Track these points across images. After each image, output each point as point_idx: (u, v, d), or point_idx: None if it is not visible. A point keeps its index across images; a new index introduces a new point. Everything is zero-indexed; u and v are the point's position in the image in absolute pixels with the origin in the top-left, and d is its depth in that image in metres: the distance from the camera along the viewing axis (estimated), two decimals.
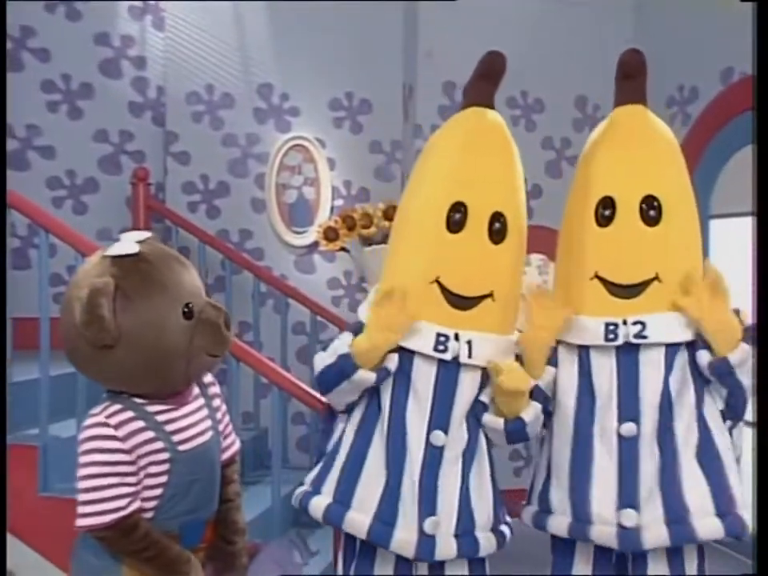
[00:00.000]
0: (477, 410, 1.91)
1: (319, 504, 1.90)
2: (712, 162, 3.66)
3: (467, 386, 1.90)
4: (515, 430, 1.88)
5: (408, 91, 4.30)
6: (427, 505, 1.82)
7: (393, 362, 1.87)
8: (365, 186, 4.41)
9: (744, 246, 3.03)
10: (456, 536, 1.84)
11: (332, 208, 4.32)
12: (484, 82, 2.03)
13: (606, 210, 1.94)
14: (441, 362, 1.88)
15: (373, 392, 1.92)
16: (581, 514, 1.87)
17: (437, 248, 1.92)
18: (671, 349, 1.90)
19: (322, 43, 4.26)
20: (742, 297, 3.19)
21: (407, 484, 1.84)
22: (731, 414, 1.96)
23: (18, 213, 2.69)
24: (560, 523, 1.91)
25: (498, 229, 1.91)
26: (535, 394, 1.91)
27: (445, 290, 1.89)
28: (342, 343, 1.90)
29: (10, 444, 2.39)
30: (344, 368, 1.85)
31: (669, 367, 1.90)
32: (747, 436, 2.88)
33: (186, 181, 4.28)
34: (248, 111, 4.32)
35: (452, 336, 1.87)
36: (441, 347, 1.86)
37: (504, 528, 1.95)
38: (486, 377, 1.91)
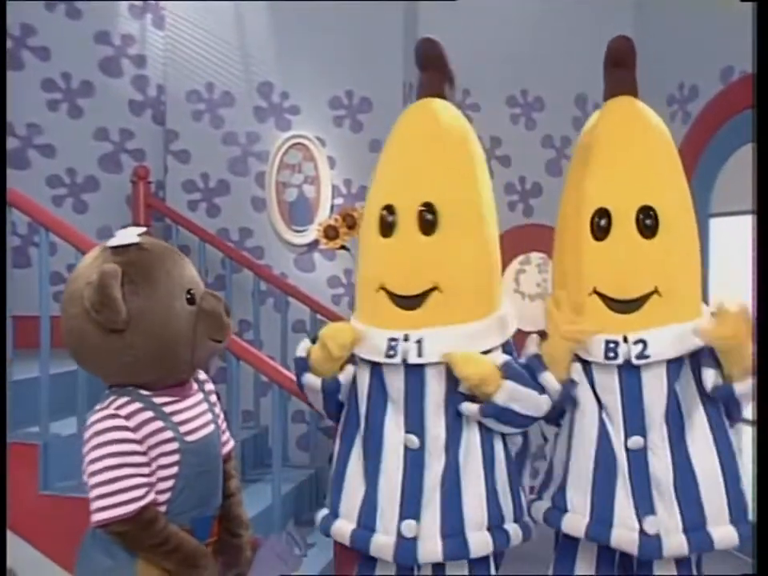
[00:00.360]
0: (457, 403, 1.86)
1: (319, 517, 1.98)
2: (712, 161, 3.66)
3: (434, 384, 1.87)
4: (492, 415, 1.83)
5: (408, 90, 4.30)
6: (408, 508, 1.81)
7: (346, 373, 1.93)
8: (365, 184, 4.40)
9: (744, 244, 3.03)
10: (444, 537, 1.80)
11: (332, 206, 4.32)
12: (423, 72, 1.99)
13: (601, 223, 1.90)
14: (407, 366, 1.86)
15: (351, 402, 1.96)
16: (602, 516, 1.85)
17: (375, 255, 1.94)
18: (674, 363, 1.88)
19: (323, 42, 4.26)
20: (742, 295, 3.20)
21: (384, 489, 1.84)
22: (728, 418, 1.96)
23: (18, 211, 2.69)
24: (576, 523, 1.89)
25: (428, 220, 1.87)
26: (569, 390, 1.90)
27: (390, 294, 1.89)
28: (300, 348, 2.01)
29: (10, 442, 2.40)
30: (297, 370, 2.00)
31: (673, 380, 1.88)
32: (747, 435, 2.88)
33: (186, 179, 4.28)
34: (248, 110, 4.31)
35: (401, 338, 1.85)
36: (391, 352, 1.85)
37: (510, 526, 1.89)
38: (449, 376, 1.87)
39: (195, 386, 1.75)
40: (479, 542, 1.83)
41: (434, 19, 4.15)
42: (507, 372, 1.83)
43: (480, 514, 1.84)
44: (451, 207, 1.88)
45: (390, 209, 1.89)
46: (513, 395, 1.81)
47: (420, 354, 1.83)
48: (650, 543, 1.80)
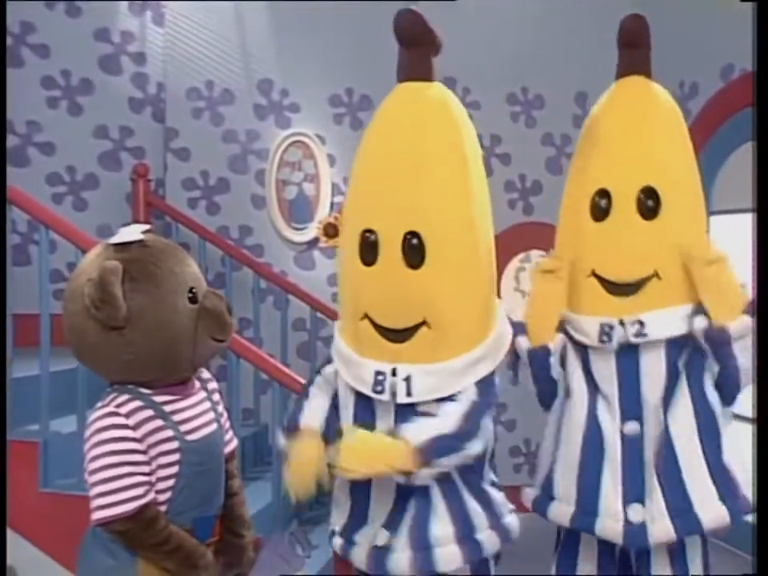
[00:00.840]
0: None
1: (329, 533, 1.93)
2: (712, 159, 3.66)
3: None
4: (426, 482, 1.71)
5: None
6: (388, 522, 1.76)
7: None
8: None
9: (744, 242, 3.03)
10: (413, 551, 1.73)
11: (332, 204, 4.32)
12: (406, 50, 1.81)
13: (601, 203, 1.85)
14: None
15: (336, 413, 1.87)
16: (587, 505, 1.84)
17: (357, 283, 1.77)
18: (671, 344, 1.84)
19: (322, 40, 4.25)
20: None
21: (366, 505, 1.80)
22: (721, 397, 1.88)
23: (18, 209, 2.69)
24: (563, 512, 1.87)
25: (413, 252, 1.67)
26: (541, 358, 1.89)
27: (376, 325, 1.73)
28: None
29: (10, 440, 2.40)
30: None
31: (671, 362, 1.84)
32: (747, 433, 2.88)
33: (186, 177, 4.28)
34: (248, 107, 4.31)
35: (389, 372, 1.71)
36: (378, 387, 1.71)
37: (483, 534, 1.78)
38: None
39: (198, 384, 1.75)
40: (447, 554, 1.75)
41: (433, 19, 4.13)
42: (424, 455, 1.61)
43: (447, 529, 1.75)
44: (441, 235, 1.69)
45: (368, 235, 1.71)
46: (433, 472, 1.66)
47: (409, 393, 1.70)
48: (635, 532, 1.78)
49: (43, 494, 2.65)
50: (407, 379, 1.70)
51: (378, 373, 1.72)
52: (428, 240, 1.68)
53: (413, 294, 1.70)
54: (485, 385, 1.76)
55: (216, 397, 1.79)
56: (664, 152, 1.88)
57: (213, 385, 1.80)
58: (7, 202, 2.60)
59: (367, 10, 4.22)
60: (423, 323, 1.71)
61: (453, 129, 1.76)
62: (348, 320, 1.82)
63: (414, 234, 1.67)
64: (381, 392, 1.71)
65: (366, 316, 1.74)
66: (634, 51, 1.93)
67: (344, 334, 1.84)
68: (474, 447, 1.69)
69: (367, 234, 1.71)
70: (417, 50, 1.81)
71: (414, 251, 1.67)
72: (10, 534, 2.34)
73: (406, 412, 1.73)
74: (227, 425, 1.82)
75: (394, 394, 1.71)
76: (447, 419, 1.67)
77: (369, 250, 1.71)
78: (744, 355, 1.80)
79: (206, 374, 1.80)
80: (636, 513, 1.79)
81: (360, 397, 1.77)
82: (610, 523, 1.81)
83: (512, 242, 4.31)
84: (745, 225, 3.18)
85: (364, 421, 1.76)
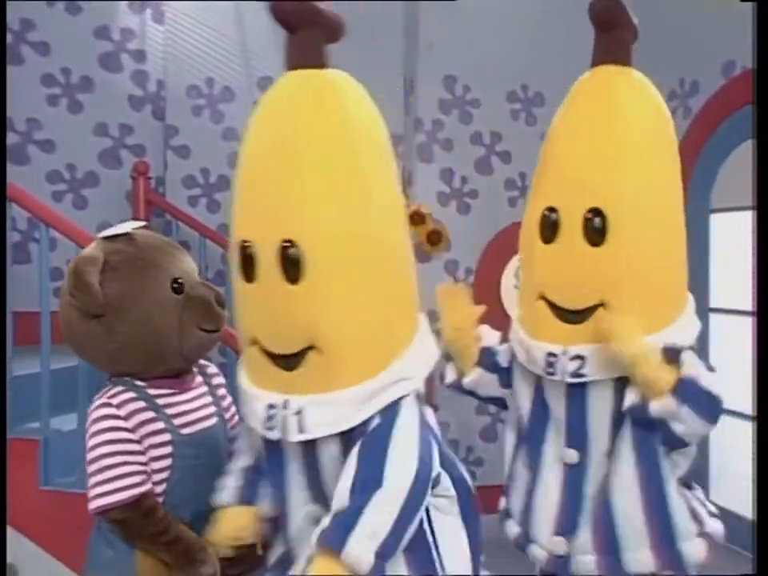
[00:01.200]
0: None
1: None
2: (713, 156, 3.65)
3: (326, 457, 1.50)
4: None
5: (409, 85, 4.29)
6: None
7: None
8: None
9: (745, 240, 3.03)
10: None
11: None
12: (294, 34, 1.56)
13: (549, 223, 1.70)
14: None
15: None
16: (527, 529, 1.82)
17: (241, 302, 1.52)
18: (618, 382, 1.70)
19: None
20: (742, 291, 3.20)
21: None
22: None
23: (18, 207, 2.69)
24: (513, 530, 1.87)
25: (290, 265, 1.41)
26: (460, 391, 1.95)
27: (264, 351, 1.49)
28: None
29: (11, 438, 2.40)
30: None
31: (618, 397, 1.71)
32: (747, 431, 2.89)
33: (186, 175, 4.28)
34: (248, 105, 4.26)
35: (280, 405, 1.46)
36: (269, 423, 1.47)
37: None
38: (344, 441, 1.48)
39: (199, 378, 1.76)
40: None
41: (434, 19, 4.14)
42: (333, 546, 1.38)
43: None
44: (321, 245, 1.43)
45: (247, 244, 1.46)
46: (376, 549, 1.40)
47: (302, 430, 1.45)
48: (559, 563, 1.75)
49: (44, 491, 2.65)
50: (299, 413, 1.45)
51: (269, 406, 1.47)
52: (306, 250, 1.42)
53: (294, 313, 1.45)
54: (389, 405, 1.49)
55: (221, 391, 1.80)
56: (622, 165, 1.65)
57: (219, 379, 1.82)
58: (7, 200, 2.60)
59: (367, 6, 4.22)
60: (311, 347, 1.45)
61: (340, 122, 1.54)
62: (244, 346, 1.57)
63: (290, 243, 1.42)
64: (272, 428, 1.47)
65: (255, 342, 1.51)
66: (607, 36, 1.66)
67: (243, 363, 1.60)
68: (402, 478, 1.42)
69: (245, 246, 1.46)
70: (300, 34, 1.57)
71: (291, 264, 1.42)
72: (11, 532, 2.35)
73: (312, 452, 1.50)
74: (235, 419, 1.83)
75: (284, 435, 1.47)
76: (341, 487, 1.43)
77: (247, 264, 1.46)
78: (670, 418, 1.63)
79: (212, 369, 1.82)
80: (558, 545, 1.74)
81: (269, 440, 1.53)
82: (539, 550, 1.78)
83: (512, 240, 4.29)
84: (745, 222, 3.18)
85: (274, 467, 1.56)
